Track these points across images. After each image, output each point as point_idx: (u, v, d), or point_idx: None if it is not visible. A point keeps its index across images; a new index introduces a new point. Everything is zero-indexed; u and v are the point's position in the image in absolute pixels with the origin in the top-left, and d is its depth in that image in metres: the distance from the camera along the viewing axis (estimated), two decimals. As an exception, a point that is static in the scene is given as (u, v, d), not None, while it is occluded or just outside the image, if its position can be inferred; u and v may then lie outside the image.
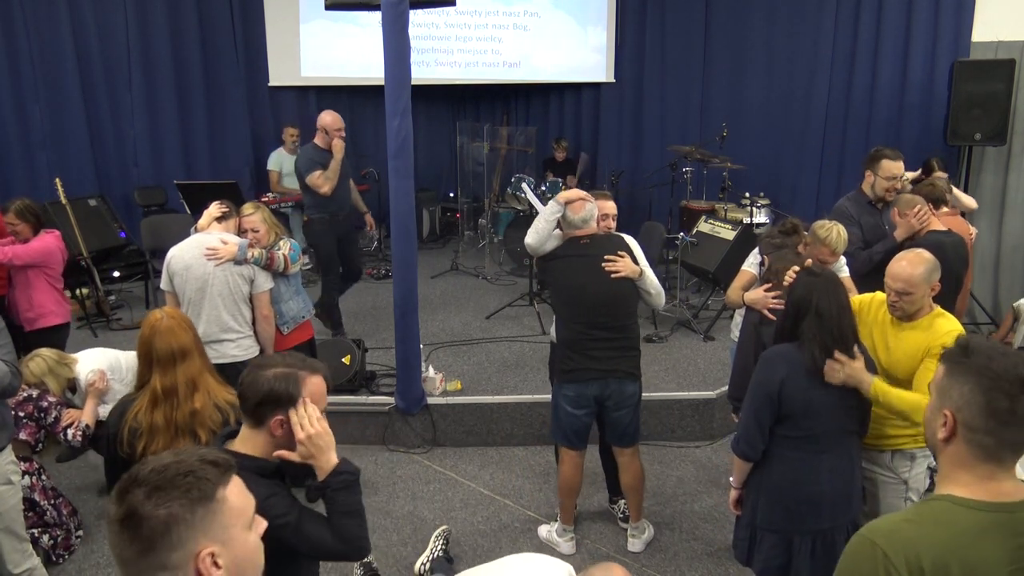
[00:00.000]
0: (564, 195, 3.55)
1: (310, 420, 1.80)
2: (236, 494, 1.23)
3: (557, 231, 3.57)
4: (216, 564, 1.16)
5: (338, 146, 5.38)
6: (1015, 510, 1.36)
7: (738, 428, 2.75)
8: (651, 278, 3.54)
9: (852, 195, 4.20)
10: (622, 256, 3.45)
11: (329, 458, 1.83)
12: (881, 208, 4.10)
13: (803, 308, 2.60)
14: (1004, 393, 1.32)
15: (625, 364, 3.48)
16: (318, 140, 5.47)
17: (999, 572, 1.32)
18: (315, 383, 1.86)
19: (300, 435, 1.79)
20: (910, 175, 5.19)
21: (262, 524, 1.29)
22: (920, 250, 2.88)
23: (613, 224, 3.71)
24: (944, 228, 3.86)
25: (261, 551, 1.27)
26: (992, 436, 1.34)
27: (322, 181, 5.35)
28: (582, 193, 3.57)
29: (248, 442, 1.83)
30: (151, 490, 1.15)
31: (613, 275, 3.42)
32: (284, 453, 1.82)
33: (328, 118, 5.45)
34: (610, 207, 3.70)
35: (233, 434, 1.90)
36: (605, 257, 3.43)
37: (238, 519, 1.22)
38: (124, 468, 2.42)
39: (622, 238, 3.58)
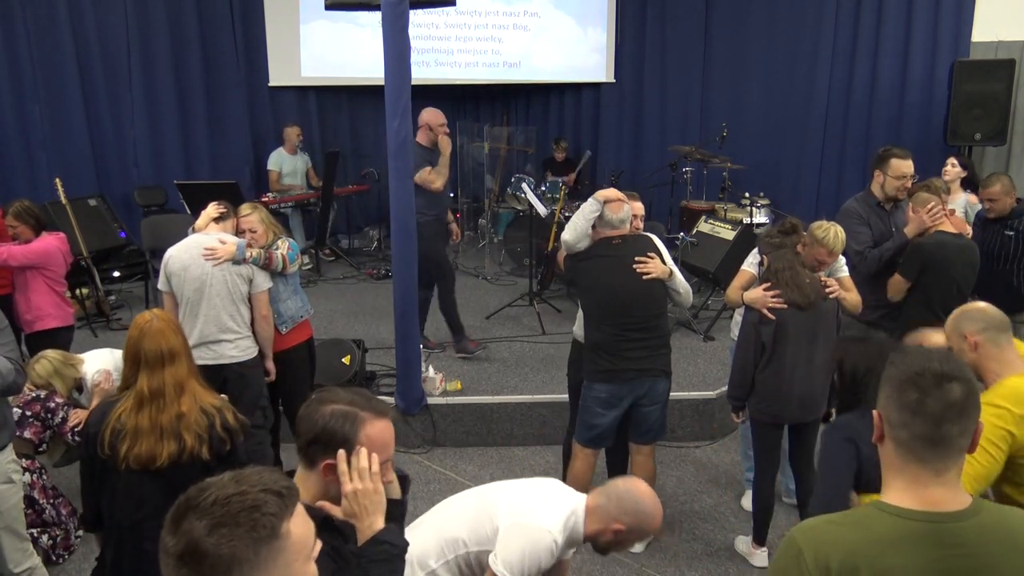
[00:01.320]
0: (603, 194, 3.55)
1: (360, 473, 1.57)
2: (299, 524, 1.17)
3: (590, 230, 3.56)
4: None
5: (445, 142, 5.25)
6: (942, 520, 1.32)
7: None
8: (680, 278, 3.57)
9: (860, 196, 4.15)
10: (652, 257, 3.47)
11: (373, 522, 1.59)
12: (890, 209, 4.05)
13: (859, 376, 2.50)
14: (915, 386, 1.34)
15: (659, 362, 3.49)
16: (420, 138, 5.27)
17: None
18: (378, 428, 1.62)
19: (346, 488, 1.57)
20: (955, 173, 5.14)
21: (318, 545, 1.24)
22: (925, 333, 2.74)
23: (641, 225, 3.72)
24: (955, 231, 3.81)
25: None
26: (905, 429, 1.34)
27: (434, 176, 5.16)
28: (619, 193, 3.57)
29: (300, 485, 1.58)
30: (214, 525, 1.09)
31: (644, 277, 3.42)
32: (327, 505, 1.59)
33: (430, 115, 5.29)
34: (639, 208, 3.71)
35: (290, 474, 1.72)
36: (636, 258, 3.44)
37: (300, 553, 1.16)
38: (103, 470, 2.42)
39: (651, 239, 3.59)
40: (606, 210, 3.49)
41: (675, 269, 3.56)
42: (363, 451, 1.58)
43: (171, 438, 2.36)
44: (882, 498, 1.39)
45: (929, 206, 3.75)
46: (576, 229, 3.52)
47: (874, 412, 1.42)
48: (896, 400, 1.36)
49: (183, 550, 1.09)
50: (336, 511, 1.59)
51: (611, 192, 3.57)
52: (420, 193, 5.07)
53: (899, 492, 1.36)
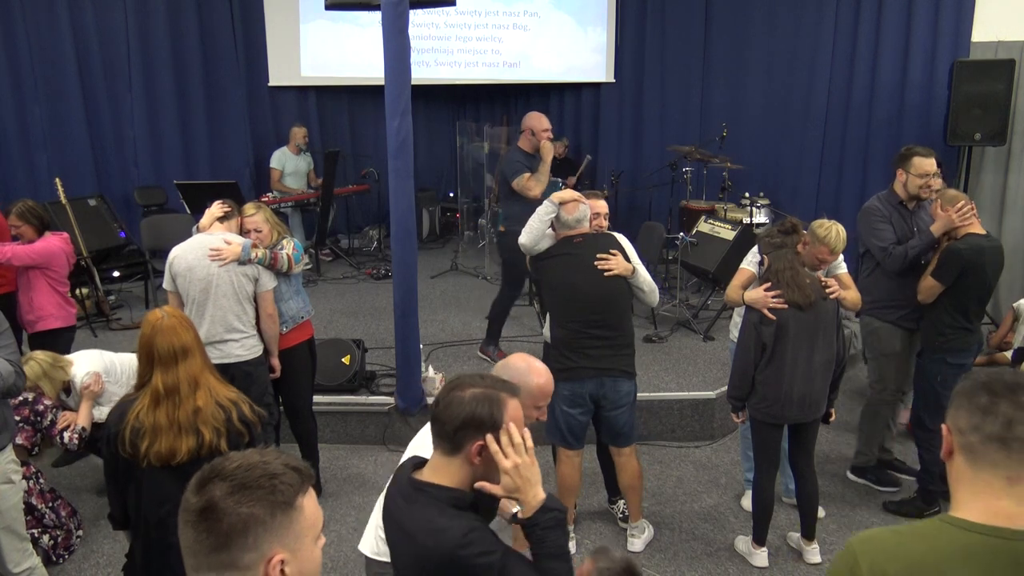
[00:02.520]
0: (558, 195, 3.60)
1: (516, 448, 1.63)
2: (311, 505, 1.22)
3: (550, 231, 3.61)
4: (283, 572, 1.16)
5: (547, 148, 5.06)
6: (1011, 537, 1.25)
7: None
8: (644, 275, 3.57)
9: (883, 194, 4.10)
10: (614, 254, 3.48)
11: (537, 493, 1.65)
12: (912, 208, 4.01)
13: None
14: (987, 390, 1.32)
15: (620, 362, 3.49)
16: (523, 143, 5.14)
17: None
18: (514, 406, 1.68)
19: (506, 464, 1.62)
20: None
21: (322, 540, 1.28)
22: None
23: (605, 223, 3.74)
24: (984, 232, 3.76)
25: (320, 566, 1.26)
26: (976, 432, 1.31)
27: (533, 183, 5.00)
28: (576, 194, 3.61)
29: (441, 471, 1.66)
30: (235, 487, 1.15)
31: (606, 273, 3.44)
32: (487, 485, 1.65)
33: (533, 120, 5.14)
34: (602, 206, 3.74)
35: (421, 463, 1.75)
36: (597, 256, 3.45)
37: (310, 530, 1.21)
38: (126, 469, 2.45)
39: (614, 236, 3.61)
40: (562, 211, 3.53)
41: (640, 266, 3.57)
42: (512, 427, 1.64)
43: (189, 433, 2.40)
44: (952, 512, 1.33)
45: (959, 205, 3.69)
46: (532, 231, 3.57)
47: (943, 426, 1.39)
48: (966, 406, 1.33)
49: (203, 507, 1.15)
50: (495, 489, 1.65)
51: (566, 193, 3.61)
52: (516, 200, 5.01)
53: (968, 505, 1.31)
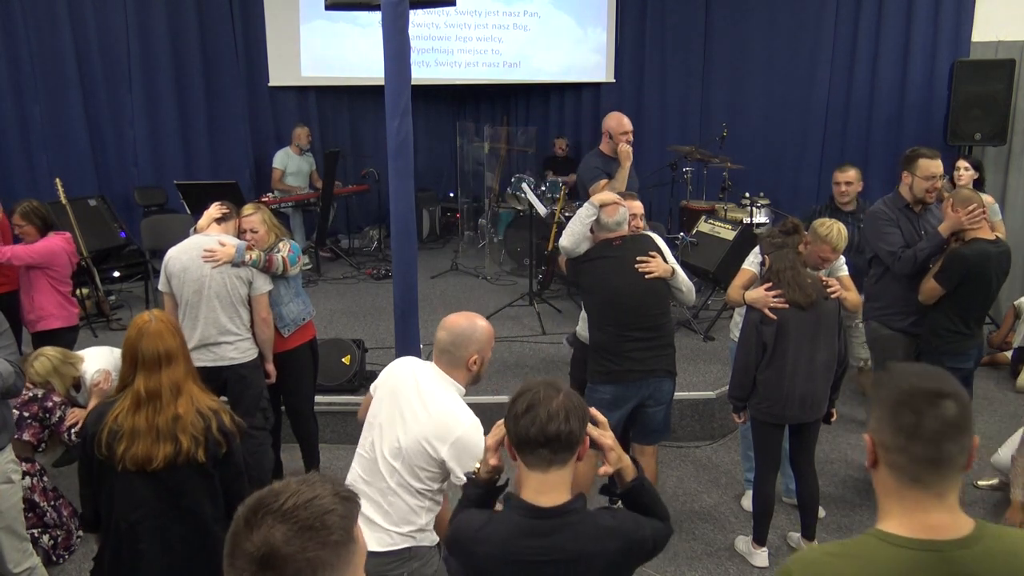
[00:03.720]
0: (598, 198, 3.57)
1: (604, 426, 1.85)
2: (360, 531, 1.21)
3: (588, 233, 3.58)
4: None
5: (624, 151, 4.69)
6: (946, 549, 1.26)
7: None
8: (682, 276, 3.57)
9: (889, 197, 3.99)
10: (654, 256, 3.47)
11: (627, 460, 1.90)
12: (919, 211, 3.89)
13: None
14: (910, 408, 1.29)
15: (663, 362, 3.49)
16: (603, 146, 4.84)
17: None
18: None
19: (609, 442, 1.83)
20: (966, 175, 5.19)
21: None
22: None
23: (642, 224, 3.73)
24: (992, 237, 3.68)
25: None
26: (903, 454, 1.29)
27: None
28: (615, 196, 3.58)
29: (565, 485, 1.82)
30: (298, 530, 1.10)
31: (647, 276, 3.43)
32: (605, 469, 1.88)
33: (612, 121, 4.78)
34: (638, 207, 3.72)
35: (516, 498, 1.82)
36: (638, 258, 3.44)
37: (363, 558, 1.20)
38: (100, 471, 2.40)
39: (652, 238, 3.60)
40: (602, 214, 3.50)
41: (677, 267, 3.57)
42: (597, 413, 1.87)
43: (167, 440, 2.34)
44: (880, 526, 1.33)
45: (970, 207, 3.59)
46: (573, 234, 3.54)
47: (865, 436, 1.37)
48: (890, 423, 1.31)
49: (265, 553, 1.09)
50: (608, 468, 1.86)
51: (606, 196, 3.58)
52: None
53: (898, 519, 1.30)
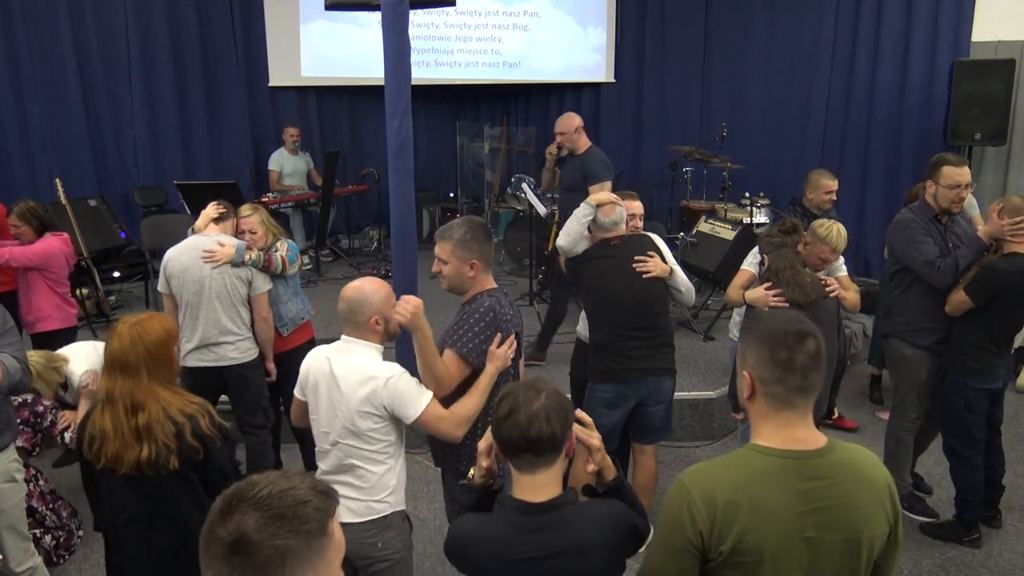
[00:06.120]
0: (595, 198, 3.57)
1: (589, 434, 1.86)
2: (337, 528, 1.20)
3: (586, 233, 3.58)
4: None
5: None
6: (803, 457, 1.58)
7: None
8: (681, 276, 3.56)
9: (916, 206, 3.73)
10: (652, 256, 3.47)
11: (609, 462, 1.91)
12: (946, 222, 3.64)
13: None
14: (783, 345, 1.57)
15: (662, 360, 3.49)
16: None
17: (784, 510, 1.54)
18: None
19: (596, 443, 1.85)
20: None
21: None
22: None
23: (640, 224, 3.73)
24: None
25: None
26: (780, 384, 1.58)
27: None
28: (613, 196, 3.58)
29: (555, 482, 1.84)
30: (270, 518, 1.10)
31: (645, 276, 3.42)
32: (590, 467, 1.89)
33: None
34: (637, 207, 3.72)
35: (513, 497, 1.82)
36: (635, 258, 3.44)
37: (338, 554, 1.19)
38: (91, 471, 2.39)
39: (650, 238, 3.59)
40: (599, 214, 3.51)
41: (676, 267, 3.56)
42: (582, 413, 1.88)
43: (133, 444, 2.28)
44: (755, 441, 1.62)
45: (1018, 219, 3.33)
46: (570, 234, 3.54)
47: (744, 373, 1.63)
48: (767, 359, 1.58)
49: (235, 539, 1.09)
50: (592, 466, 1.87)
51: (602, 196, 3.58)
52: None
53: (771, 436, 1.61)
